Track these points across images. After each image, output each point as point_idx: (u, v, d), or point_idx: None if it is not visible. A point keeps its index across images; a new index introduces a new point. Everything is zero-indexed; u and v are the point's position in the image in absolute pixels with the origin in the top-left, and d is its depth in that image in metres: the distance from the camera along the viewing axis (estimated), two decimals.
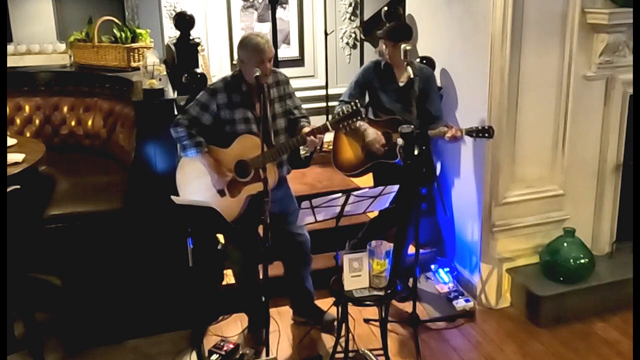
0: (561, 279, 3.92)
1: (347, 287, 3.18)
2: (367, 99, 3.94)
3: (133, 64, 4.33)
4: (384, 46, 3.77)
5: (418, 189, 3.57)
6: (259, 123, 3.15)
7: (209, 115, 3.24)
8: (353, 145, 3.84)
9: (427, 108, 3.77)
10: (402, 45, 3.50)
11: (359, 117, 3.07)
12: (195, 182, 3.30)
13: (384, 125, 3.77)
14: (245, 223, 3.38)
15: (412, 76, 3.45)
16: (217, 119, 3.25)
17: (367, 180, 4.03)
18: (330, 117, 3.75)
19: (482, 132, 3.55)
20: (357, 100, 3.12)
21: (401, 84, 3.78)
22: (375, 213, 3.79)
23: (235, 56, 6.09)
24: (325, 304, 3.81)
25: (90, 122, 4.35)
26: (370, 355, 3.42)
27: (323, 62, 6.04)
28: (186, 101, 3.82)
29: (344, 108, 3.11)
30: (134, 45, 4.34)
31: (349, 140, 3.85)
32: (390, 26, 3.87)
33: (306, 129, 3.22)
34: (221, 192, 3.29)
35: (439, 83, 4.23)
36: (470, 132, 3.58)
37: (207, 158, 3.24)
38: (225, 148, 3.28)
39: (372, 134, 3.71)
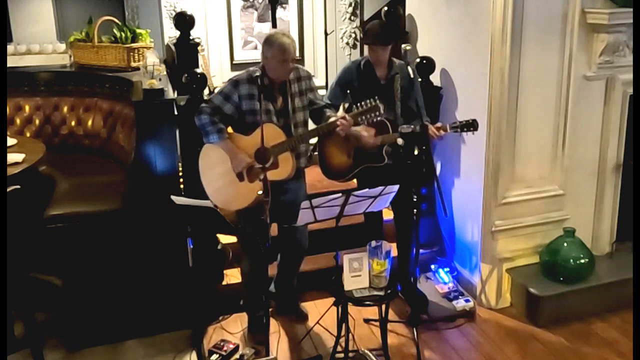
0: (561, 279, 3.92)
1: (347, 287, 3.19)
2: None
3: (133, 64, 4.33)
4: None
5: (413, 189, 3.55)
6: (279, 116, 3.37)
7: (231, 105, 3.36)
8: (340, 150, 3.78)
9: (409, 105, 3.73)
10: (402, 45, 3.49)
11: (378, 112, 3.21)
12: (217, 168, 3.40)
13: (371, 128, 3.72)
14: (249, 224, 3.42)
15: (413, 75, 3.42)
16: (239, 109, 3.37)
17: None
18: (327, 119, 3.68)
19: (467, 127, 3.54)
20: (376, 97, 3.24)
21: (382, 83, 3.75)
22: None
23: (235, 56, 6.19)
24: (325, 304, 3.81)
25: (90, 122, 4.34)
26: (370, 355, 3.42)
27: (323, 62, 6.04)
28: (186, 101, 3.82)
29: (363, 102, 3.21)
30: (134, 45, 4.34)
31: (336, 146, 3.79)
32: (366, 29, 3.81)
33: (333, 118, 3.35)
34: (240, 176, 3.38)
35: (438, 83, 4.23)
36: (454, 127, 3.57)
37: (228, 143, 3.35)
38: (247, 136, 3.38)
39: (366, 134, 3.60)
